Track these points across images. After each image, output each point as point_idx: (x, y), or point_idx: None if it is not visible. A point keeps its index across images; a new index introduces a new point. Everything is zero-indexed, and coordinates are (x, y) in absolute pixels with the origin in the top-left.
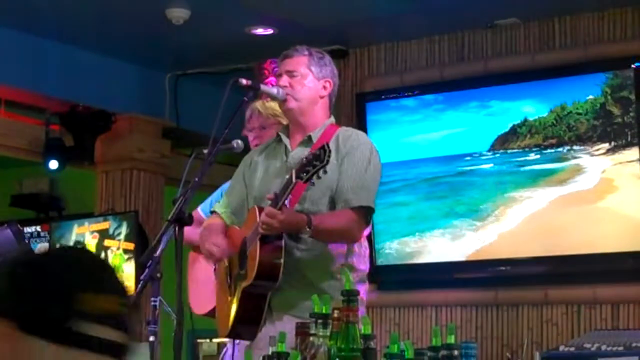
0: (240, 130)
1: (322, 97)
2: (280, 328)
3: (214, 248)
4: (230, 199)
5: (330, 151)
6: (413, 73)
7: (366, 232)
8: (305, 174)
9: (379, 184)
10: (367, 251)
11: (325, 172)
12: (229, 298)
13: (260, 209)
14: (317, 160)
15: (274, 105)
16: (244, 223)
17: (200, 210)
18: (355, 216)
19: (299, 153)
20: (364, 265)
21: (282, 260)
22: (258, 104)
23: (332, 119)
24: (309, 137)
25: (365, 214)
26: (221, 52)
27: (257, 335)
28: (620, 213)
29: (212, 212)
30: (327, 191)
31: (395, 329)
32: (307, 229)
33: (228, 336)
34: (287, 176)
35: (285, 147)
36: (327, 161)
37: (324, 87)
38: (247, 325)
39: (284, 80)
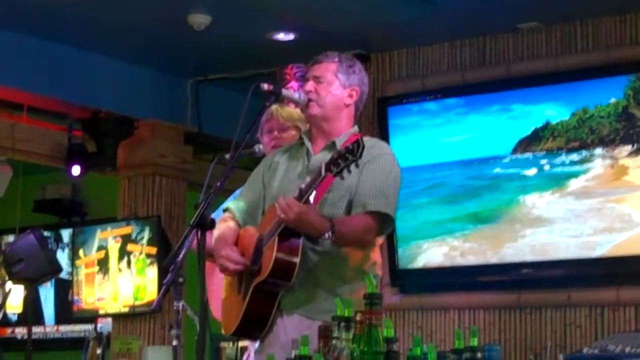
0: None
1: (347, 106)
2: (290, 328)
3: (228, 263)
4: (246, 198)
5: (364, 146)
6: (435, 77)
7: (380, 240)
8: (335, 167)
9: (398, 197)
10: (380, 259)
11: (357, 165)
12: (238, 295)
13: None
14: (350, 154)
15: (290, 109)
16: (261, 221)
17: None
18: (372, 222)
19: (322, 157)
20: (378, 272)
21: (297, 260)
22: (276, 108)
23: (356, 128)
24: (333, 143)
25: (383, 221)
26: (242, 57)
27: (265, 335)
28: None
29: (225, 210)
30: (347, 195)
31: (418, 332)
32: (331, 234)
33: (234, 334)
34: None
35: (308, 150)
36: (361, 155)
37: (350, 96)
38: (255, 323)
39: (310, 85)
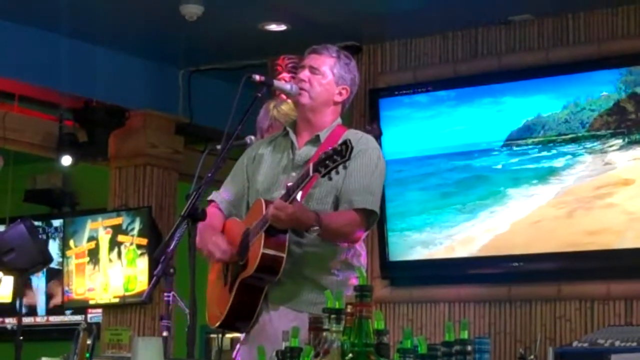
0: (254, 125)
1: (335, 103)
2: (276, 320)
3: (216, 250)
4: (230, 191)
5: (352, 147)
6: (426, 69)
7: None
8: (324, 168)
9: (382, 189)
10: (364, 251)
11: (345, 167)
12: (225, 288)
13: (267, 202)
14: (339, 155)
15: (287, 110)
16: (247, 214)
17: None
18: (358, 218)
19: (306, 152)
20: (362, 263)
21: (284, 255)
22: (276, 113)
23: (340, 120)
24: (317, 137)
25: (368, 217)
26: (234, 48)
27: (250, 327)
28: (633, 209)
29: (210, 202)
30: (333, 190)
31: (408, 325)
32: (316, 228)
33: (220, 326)
34: (303, 170)
35: (292, 143)
36: (349, 157)
37: (340, 94)
38: (241, 316)
39: (304, 74)
